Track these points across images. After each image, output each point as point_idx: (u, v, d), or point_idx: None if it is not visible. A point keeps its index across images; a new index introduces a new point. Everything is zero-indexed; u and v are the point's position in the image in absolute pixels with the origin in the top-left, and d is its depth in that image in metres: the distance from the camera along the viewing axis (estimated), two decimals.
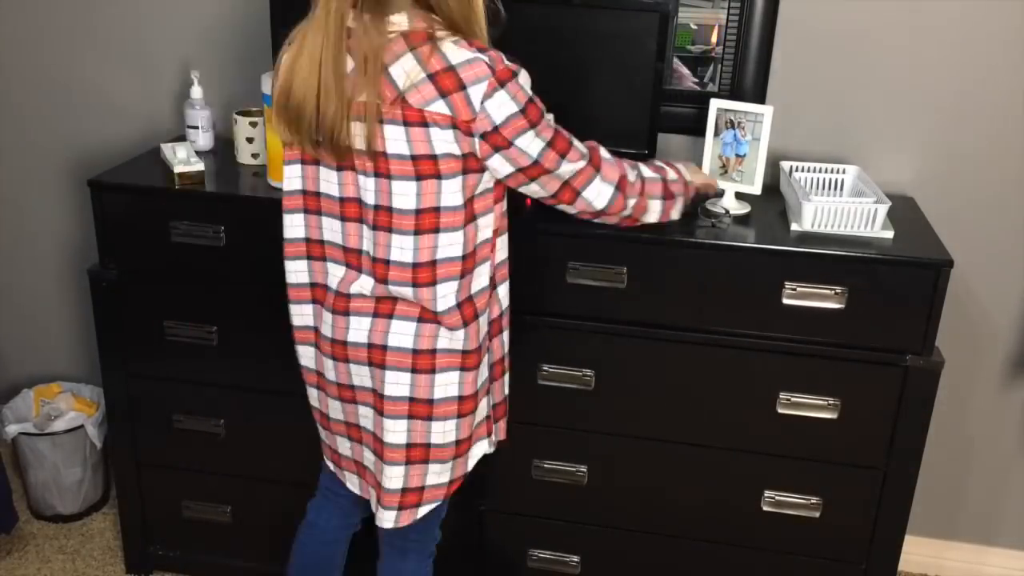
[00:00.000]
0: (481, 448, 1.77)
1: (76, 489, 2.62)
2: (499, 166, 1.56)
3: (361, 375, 1.67)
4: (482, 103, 1.49)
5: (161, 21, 2.45)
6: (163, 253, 2.14)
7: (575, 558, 2.25)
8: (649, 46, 2.02)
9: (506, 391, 1.82)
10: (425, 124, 1.49)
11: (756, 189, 2.07)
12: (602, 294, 2.01)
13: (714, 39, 2.24)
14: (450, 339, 1.63)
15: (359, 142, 1.52)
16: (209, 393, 2.25)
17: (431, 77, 1.47)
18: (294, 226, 1.68)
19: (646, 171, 1.80)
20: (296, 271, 1.72)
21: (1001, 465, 2.47)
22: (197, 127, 2.34)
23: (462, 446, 1.71)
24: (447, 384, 1.65)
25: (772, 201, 2.17)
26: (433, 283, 1.59)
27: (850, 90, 2.24)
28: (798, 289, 1.94)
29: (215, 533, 2.38)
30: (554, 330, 2.05)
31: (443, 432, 1.67)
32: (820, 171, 2.19)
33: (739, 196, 2.12)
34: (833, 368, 1.98)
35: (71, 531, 2.63)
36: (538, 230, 1.99)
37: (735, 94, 2.23)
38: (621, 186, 1.71)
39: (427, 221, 1.56)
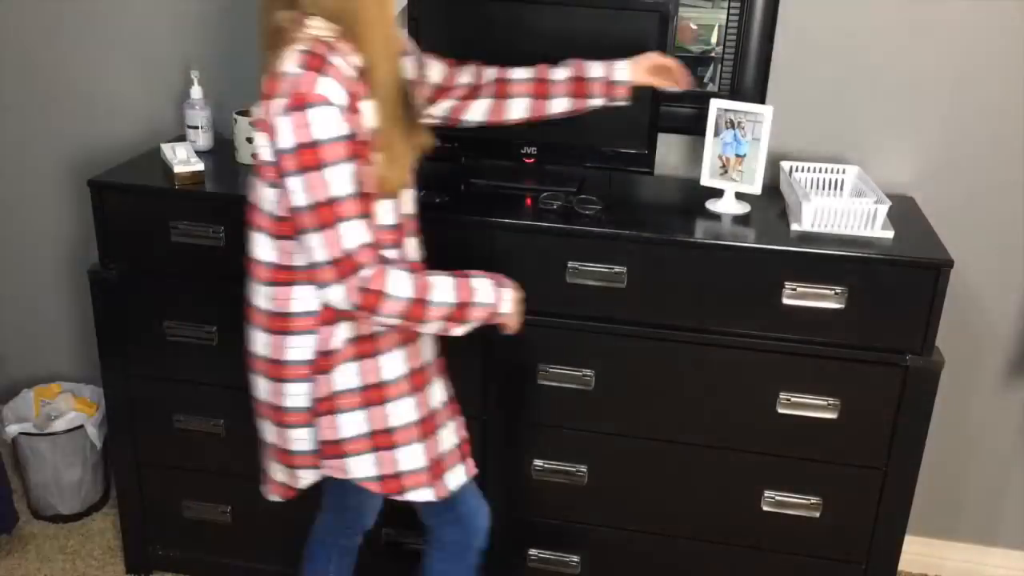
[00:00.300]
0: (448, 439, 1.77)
1: (76, 489, 2.62)
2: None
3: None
4: (275, 118, 1.45)
5: (161, 21, 2.45)
6: (163, 253, 2.14)
7: (575, 558, 2.25)
8: (649, 46, 2.02)
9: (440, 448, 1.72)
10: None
11: (756, 189, 2.07)
12: (602, 294, 2.01)
13: (714, 39, 2.23)
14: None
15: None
16: (209, 393, 2.25)
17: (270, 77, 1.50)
18: None
19: (438, 295, 1.56)
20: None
21: (1001, 465, 2.47)
22: (197, 127, 2.34)
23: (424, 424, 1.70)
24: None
25: (772, 201, 2.17)
26: (271, 283, 1.61)
27: (850, 90, 2.24)
28: (798, 289, 1.94)
29: (215, 533, 2.38)
30: (554, 330, 2.05)
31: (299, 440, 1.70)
32: (820, 171, 2.19)
33: (739, 196, 2.12)
34: (833, 368, 1.98)
35: (71, 531, 2.63)
36: (538, 230, 1.99)
37: (735, 94, 2.23)
38: (365, 305, 1.51)
39: (265, 222, 1.58)
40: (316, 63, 1.45)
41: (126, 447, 2.34)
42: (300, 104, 1.43)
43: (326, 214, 1.46)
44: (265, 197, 1.55)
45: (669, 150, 2.31)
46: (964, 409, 2.42)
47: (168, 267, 2.17)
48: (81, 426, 2.56)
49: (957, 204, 2.26)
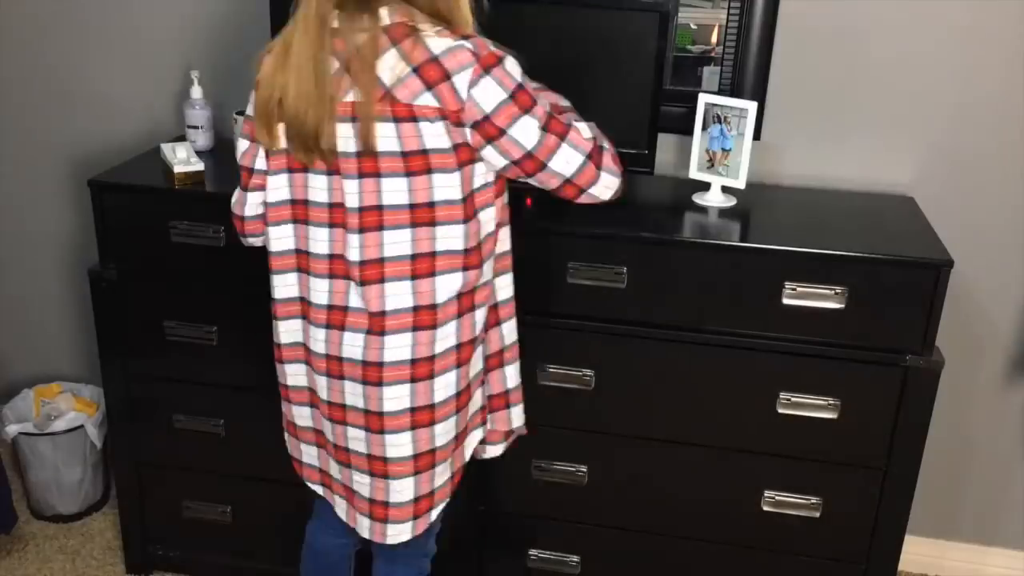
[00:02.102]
0: (475, 437, 1.76)
1: (76, 489, 2.62)
2: (492, 158, 1.53)
3: (355, 394, 1.62)
4: (468, 91, 1.46)
5: (161, 21, 2.45)
6: (163, 253, 2.14)
7: (575, 558, 2.25)
8: (649, 46, 2.02)
9: (508, 383, 1.76)
10: (415, 119, 1.47)
11: (740, 183, 2.10)
12: (602, 294, 2.01)
13: (714, 39, 2.24)
14: (444, 339, 1.60)
15: (344, 144, 1.50)
16: (209, 393, 2.25)
17: (416, 70, 1.45)
18: (283, 238, 1.64)
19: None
20: (286, 285, 1.67)
21: (1001, 465, 2.47)
22: (197, 127, 2.34)
23: (460, 439, 1.70)
24: (446, 386, 1.63)
25: (760, 195, 2.18)
26: (432, 274, 1.56)
27: (850, 90, 2.24)
28: (798, 289, 1.94)
29: (215, 533, 2.38)
30: (554, 330, 2.05)
31: (445, 433, 1.65)
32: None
33: (725, 190, 2.13)
34: (833, 368, 1.98)
35: (71, 531, 2.63)
36: (538, 230, 1.99)
37: (735, 94, 2.23)
38: (620, 176, 1.64)
39: (422, 215, 1.53)
40: (467, 32, 1.50)
41: (126, 447, 2.34)
42: (493, 62, 1.47)
43: (557, 125, 1.54)
44: (398, 189, 1.51)
45: (668, 150, 2.31)
46: (964, 409, 2.42)
47: (168, 267, 2.17)
48: (81, 426, 2.56)
49: (957, 204, 2.26)
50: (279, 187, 1.61)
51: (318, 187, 1.57)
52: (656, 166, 2.14)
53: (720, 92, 2.24)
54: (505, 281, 1.70)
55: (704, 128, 2.10)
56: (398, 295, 1.56)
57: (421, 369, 1.59)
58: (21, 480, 2.66)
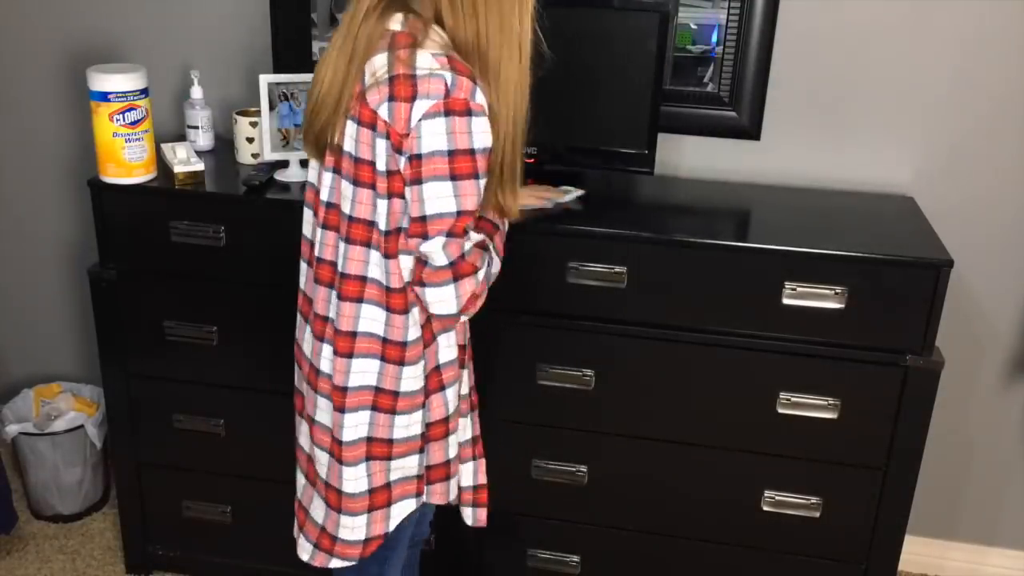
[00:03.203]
0: (406, 507, 1.61)
1: (76, 489, 2.62)
2: (408, 199, 1.42)
3: (304, 388, 1.61)
4: (419, 120, 1.36)
5: (161, 21, 2.45)
6: (163, 253, 2.14)
7: (575, 558, 2.25)
8: (649, 46, 2.02)
9: (449, 455, 1.62)
10: (373, 127, 1.40)
11: None
12: (602, 294, 2.01)
13: (714, 39, 2.24)
14: (363, 373, 1.50)
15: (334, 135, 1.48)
16: (209, 393, 2.25)
17: (391, 80, 1.38)
18: (305, 222, 1.62)
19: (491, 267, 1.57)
20: (300, 272, 1.65)
21: (1001, 465, 2.47)
22: (197, 127, 2.34)
23: (377, 497, 1.57)
24: (355, 425, 1.53)
25: (759, 195, 2.17)
26: (359, 300, 1.48)
27: (850, 90, 2.24)
28: (798, 289, 1.94)
29: (215, 533, 2.38)
30: (554, 330, 2.05)
31: (354, 479, 1.55)
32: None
33: (304, 164, 2.16)
34: (833, 368, 1.98)
35: (71, 531, 2.63)
36: (538, 230, 1.99)
37: (735, 94, 2.23)
38: (465, 304, 1.49)
39: (358, 232, 1.45)
40: (466, 70, 1.38)
41: (126, 447, 2.34)
42: (460, 108, 1.36)
43: (461, 223, 1.42)
44: (378, 210, 1.44)
45: (670, 151, 2.31)
46: (964, 409, 2.42)
47: (168, 267, 2.17)
48: (81, 426, 2.56)
49: (957, 204, 2.26)
50: (311, 167, 1.60)
51: (312, 166, 1.58)
52: (656, 166, 2.14)
53: (719, 92, 2.24)
54: (447, 341, 1.57)
55: (272, 108, 2.12)
56: (330, 304, 1.52)
57: (336, 397, 1.53)
58: (21, 480, 2.66)
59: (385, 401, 1.53)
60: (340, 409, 1.53)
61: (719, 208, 2.22)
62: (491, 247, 1.55)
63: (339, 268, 1.49)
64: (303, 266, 1.62)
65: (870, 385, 1.98)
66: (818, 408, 2.01)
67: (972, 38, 2.16)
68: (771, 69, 2.22)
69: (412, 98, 1.36)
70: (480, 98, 1.38)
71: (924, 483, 2.21)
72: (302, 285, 1.63)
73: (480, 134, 1.39)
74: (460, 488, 1.70)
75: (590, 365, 2.06)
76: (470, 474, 1.72)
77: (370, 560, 1.63)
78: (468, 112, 1.37)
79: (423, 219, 1.41)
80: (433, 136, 1.37)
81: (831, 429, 2.02)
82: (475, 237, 1.49)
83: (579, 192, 2.10)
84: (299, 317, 1.65)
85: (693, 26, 2.24)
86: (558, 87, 2.09)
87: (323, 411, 1.57)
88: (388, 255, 1.46)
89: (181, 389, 2.27)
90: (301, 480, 1.70)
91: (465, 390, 1.67)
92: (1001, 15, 2.13)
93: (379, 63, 1.40)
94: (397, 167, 1.41)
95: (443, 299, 1.46)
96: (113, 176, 2.10)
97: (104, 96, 2.04)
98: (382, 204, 1.43)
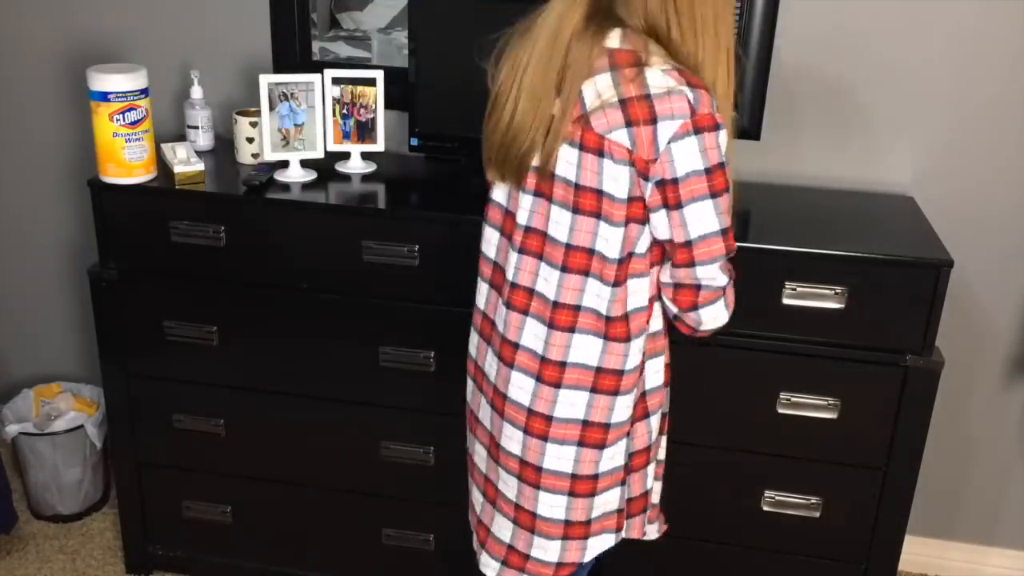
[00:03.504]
0: (605, 542, 1.57)
1: (76, 489, 2.62)
2: (659, 226, 1.37)
3: (485, 413, 1.54)
4: (668, 143, 1.31)
5: (161, 21, 2.45)
6: (163, 253, 2.14)
7: None
8: None
9: (648, 486, 1.58)
10: (601, 154, 1.33)
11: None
12: None
13: None
14: (572, 406, 1.45)
15: (535, 158, 1.41)
16: (209, 393, 2.25)
17: (623, 103, 1.31)
18: (488, 242, 1.55)
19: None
20: (479, 292, 1.59)
21: (1001, 465, 2.47)
22: (197, 127, 2.34)
23: (575, 529, 1.52)
24: (558, 457, 1.47)
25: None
26: (571, 330, 1.42)
27: (850, 90, 2.24)
28: (798, 289, 1.94)
29: (215, 533, 2.38)
30: None
31: (550, 506, 1.50)
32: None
33: (304, 164, 2.18)
34: (833, 368, 1.98)
35: (71, 531, 2.63)
36: None
37: (735, 94, 2.23)
38: (731, 309, 1.48)
39: (577, 260, 1.40)
40: (701, 83, 1.33)
41: (126, 447, 2.34)
42: (709, 124, 1.31)
43: (729, 240, 1.40)
44: (562, 222, 1.39)
45: None
46: (964, 409, 2.42)
47: (168, 267, 2.17)
48: (81, 426, 2.56)
49: (957, 204, 2.26)
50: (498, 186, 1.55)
51: (500, 187, 1.50)
52: None
53: None
54: (657, 366, 1.53)
55: (272, 109, 2.13)
56: (534, 334, 1.46)
57: (537, 424, 1.47)
58: (21, 480, 2.66)
59: (595, 435, 1.47)
60: (543, 438, 1.47)
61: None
62: None
63: (551, 297, 1.43)
64: (484, 287, 1.56)
65: (870, 385, 1.98)
66: (818, 408, 2.01)
67: (972, 38, 2.16)
68: (771, 69, 2.22)
69: (653, 120, 1.30)
70: (715, 107, 1.34)
71: (924, 483, 2.21)
72: (481, 305, 1.57)
73: (724, 146, 1.35)
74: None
75: None
76: (656, 493, 1.67)
77: None
78: (716, 127, 1.33)
79: (688, 244, 1.37)
80: (688, 157, 1.32)
81: (831, 429, 2.02)
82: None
83: None
84: (477, 336, 1.59)
85: None
86: None
87: (510, 439, 1.50)
88: (616, 283, 1.41)
89: (181, 389, 2.26)
90: (479, 498, 1.64)
91: (662, 455, 1.63)
92: (1001, 15, 2.13)
93: (603, 85, 1.34)
94: (640, 193, 1.36)
95: (717, 315, 1.44)
96: (113, 176, 2.10)
97: (104, 96, 2.04)
98: (614, 232, 1.37)
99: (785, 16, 2.19)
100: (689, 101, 1.30)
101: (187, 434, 2.29)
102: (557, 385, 1.44)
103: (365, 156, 2.24)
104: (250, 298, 2.15)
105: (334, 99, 2.16)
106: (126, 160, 2.09)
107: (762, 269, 1.94)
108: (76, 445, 2.57)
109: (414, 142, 2.22)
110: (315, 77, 2.14)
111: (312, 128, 2.16)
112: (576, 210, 1.38)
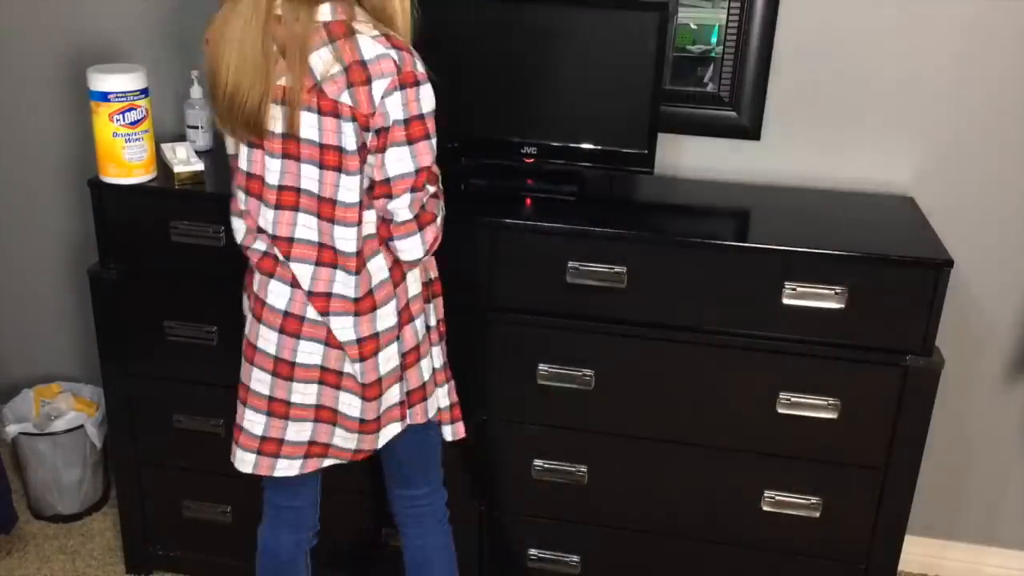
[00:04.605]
0: (391, 431, 1.78)
1: (76, 489, 2.62)
2: (369, 169, 1.60)
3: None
4: (381, 98, 1.54)
5: (161, 21, 2.45)
6: (163, 253, 2.14)
7: (575, 558, 2.25)
8: (649, 46, 2.02)
9: (423, 378, 1.79)
10: (337, 115, 1.55)
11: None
12: (602, 294, 2.01)
13: (714, 39, 2.24)
14: (343, 328, 1.67)
15: (275, 124, 1.59)
16: (209, 393, 2.25)
17: (345, 69, 1.53)
18: (240, 202, 1.74)
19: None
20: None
21: (1001, 465, 2.47)
22: (197, 127, 2.34)
23: (367, 425, 1.75)
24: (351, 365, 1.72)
25: (759, 195, 2.17)
26: (333, 266, 1.65)
27: (850, 90, 2.24)
28: (798, 289, 1.94)
29: (215, 533, 2.38)
30: (554, 330, 2.05)
31: (348, 404, 1.73)
32: None
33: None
34: (833, 368, 1.98)
35: (71, 531, 2.63)
36: (538, 230, 1.99)
37: (735, 94, 2.23)
38: (429, 247, 1.69)
39: (326, 210, 1.62)
40: (402, 44, 1.56)
41: (126, 447, 2.34)
42: (410, 81, 1.54)
43: (422, 178, 1.61)
44: (312, 177, 1.60)
45: (667, 151, 2.32)
46: (964, 409, 2.42)
47: (168, 267, 2.17)
48: (81, 426, 2.56)
49: (957, 204, 2.26)
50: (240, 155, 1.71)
51: (243, 156, 1.67)
52: (656, 166, 2.14)
53: (719, 92, 2.24)
54: (413, 277, 1.74)
55: None
56: (304, 276, 1.66)
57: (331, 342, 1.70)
58: (21, 480, 2.66)
59: (368, 346, 1.70)
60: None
61: (719, 208, 2.22)
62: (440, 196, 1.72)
63: (312, 239, 1.64)
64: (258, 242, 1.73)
65: (870, 385, 1.98)
66: (818, 408, 2.01)
67: (972, 38, 2.16)
68: (771, 69, 2.22)
69: (368, 81, 1.53)
70: (421, 67, 1.56)
71: (924, 483, 2.21)
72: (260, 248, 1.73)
73: (427, 99, 1.57)
74: (439, 408, 1.85)
75: (590, 365, 2.06)
76: (444, 395, 1.86)
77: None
78: (417, 83, 1.55)
79: (387, 181, 1.59)
80: (394, 108, 1.54)
81: (831, 429, 2.02)
82: (430, 189, 1.65)
83: None
84: (260, 276, 1.73)
85: (693, 26, 2.24)
86: (558, 86, 2.10)
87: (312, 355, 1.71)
88: (357, 223, 1.62)
89: (181, 389, 2.26)
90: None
91: (433, 321, 1.81)
92: (1001, 15, 2.13)
93: (326, 57, 1.53)
94: (364, 141, 1.57)
95: (412, 247, 1.65)
96: (113, 176, 2.10)
97: (104, 96, 2.04)
98: (353, 179, 1.59)
99: (785, 16, 2.19)
100: (395, 61, 1.53)
101: (187, 434, 2.29)
102: (325, 313, 1.67)
103: None
104: None
105: None
106: (126, 160, 2.09)
107: (762, 269, 1.94)
108: (76, 445, 2.57)
109: None
110: None
111: None
112: (322, 166, 1.59)
